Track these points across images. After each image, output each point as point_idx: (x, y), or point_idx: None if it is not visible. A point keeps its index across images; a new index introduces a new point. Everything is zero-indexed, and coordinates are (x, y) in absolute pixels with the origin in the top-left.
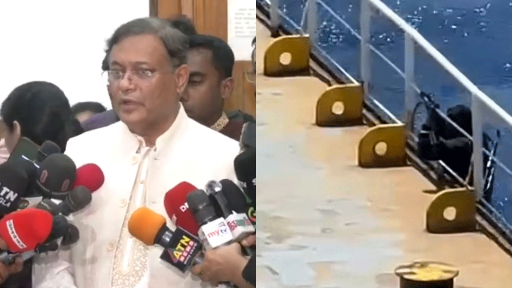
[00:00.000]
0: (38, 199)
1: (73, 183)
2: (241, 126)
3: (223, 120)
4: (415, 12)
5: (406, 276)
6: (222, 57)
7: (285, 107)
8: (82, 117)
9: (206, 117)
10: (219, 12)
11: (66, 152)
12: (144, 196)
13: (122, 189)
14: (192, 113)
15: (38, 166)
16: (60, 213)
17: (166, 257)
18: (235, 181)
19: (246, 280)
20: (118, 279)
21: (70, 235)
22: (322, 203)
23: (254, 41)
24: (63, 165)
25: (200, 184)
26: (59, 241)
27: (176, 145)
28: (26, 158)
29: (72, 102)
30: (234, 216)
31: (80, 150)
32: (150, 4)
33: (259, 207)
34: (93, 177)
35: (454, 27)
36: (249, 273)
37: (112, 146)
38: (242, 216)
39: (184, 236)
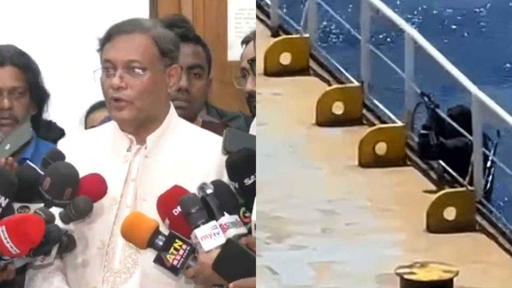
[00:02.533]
0: (40, 206)
1: (75, 191)
2: (216, 126)
3: (199, 120)
4: (415, 12)
5: (406, 276)
6: (209, 56)
7: (285, 107)
8: (101, 115)
9: (199, 111)
10: (219, 12)
11: None
12: (135, 194)
13: (113, 187)
14: (191, 104)
15: (42, 173)
16: (55, 222)
17: (159, 261)
18: (226, 178)
19: (216, 273)
20: (109, 276)
21: (66, 244)
22: (322, 203)
23: (243, 41)
24: (66, 173)
25: (191, 182)
26: (54, 249)
27: (166, 144)
28: (32, 165)
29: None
30: (226, 218)
31: (72, 150)
32: (150, 4)
33: (259, 207)
34: (96, 187)
35: (454, 27)
36: (219, 264)
37: (103, 145)
38: (234, 218)
39: (177, 240)
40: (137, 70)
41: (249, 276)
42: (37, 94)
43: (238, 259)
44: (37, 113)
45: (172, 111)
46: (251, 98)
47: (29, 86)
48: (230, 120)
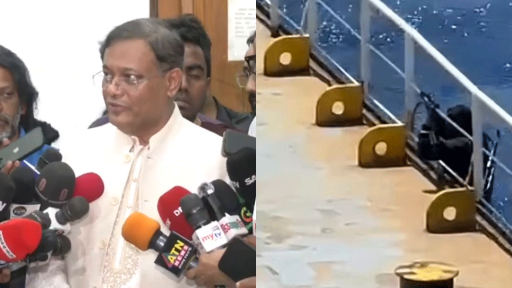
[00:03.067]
0: (36, 206)
1: (71, 192)
2: (214, 128)
3: (198, 120)
4: (415, 12)
5: (406, 276)
6: (208, 56)
7: (285, 107)
8: None
9: (198, 111)
10: (219, 12)
11: (61, 151)
12: (136, 194)
13: (115, 187)
14: (190, 105)
15: (38, 173)
16: (50, 227)
17: (160, 261)
18: (228, 179)
19: (222, 272)
20: (109, 276)
21: (61, 247)
22: (322, 203)
23: (248, 40)
24: (62, 174)
25: (194, 183)
26: (49, 253)
27: (169, 144)
28: (29, 164)
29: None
30: (227, 219)
31: (73, 148)
32: (150, 4)
33: (259, 207)
34: (93, 187)
35: (454, 27)
36: (224, 263)
37: (106, 144)
38: (235, 218)
39: (178, 241)
40: (132, 77)
41: (255, 275)
42: (25, 93)
43: (244, 258)
44: (26, 112)
45: (177, 111)
46: (252, 98)
47: (17, 86)
48: (240, 121)
